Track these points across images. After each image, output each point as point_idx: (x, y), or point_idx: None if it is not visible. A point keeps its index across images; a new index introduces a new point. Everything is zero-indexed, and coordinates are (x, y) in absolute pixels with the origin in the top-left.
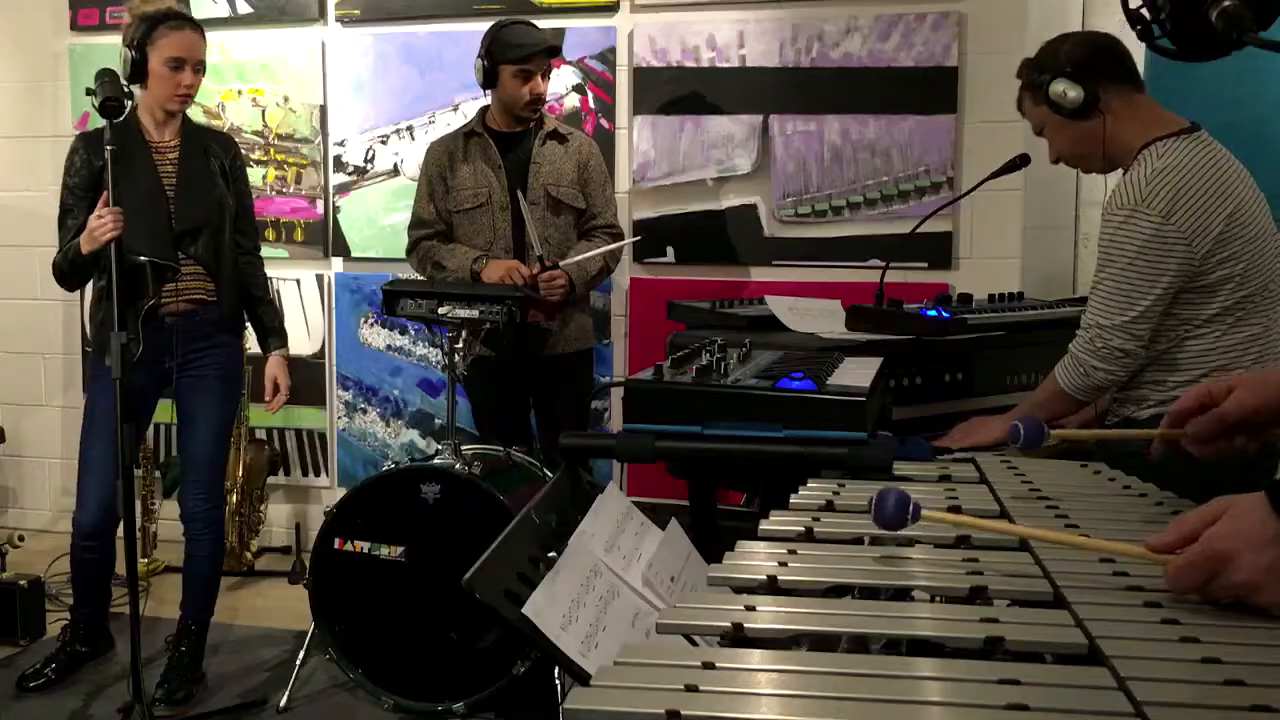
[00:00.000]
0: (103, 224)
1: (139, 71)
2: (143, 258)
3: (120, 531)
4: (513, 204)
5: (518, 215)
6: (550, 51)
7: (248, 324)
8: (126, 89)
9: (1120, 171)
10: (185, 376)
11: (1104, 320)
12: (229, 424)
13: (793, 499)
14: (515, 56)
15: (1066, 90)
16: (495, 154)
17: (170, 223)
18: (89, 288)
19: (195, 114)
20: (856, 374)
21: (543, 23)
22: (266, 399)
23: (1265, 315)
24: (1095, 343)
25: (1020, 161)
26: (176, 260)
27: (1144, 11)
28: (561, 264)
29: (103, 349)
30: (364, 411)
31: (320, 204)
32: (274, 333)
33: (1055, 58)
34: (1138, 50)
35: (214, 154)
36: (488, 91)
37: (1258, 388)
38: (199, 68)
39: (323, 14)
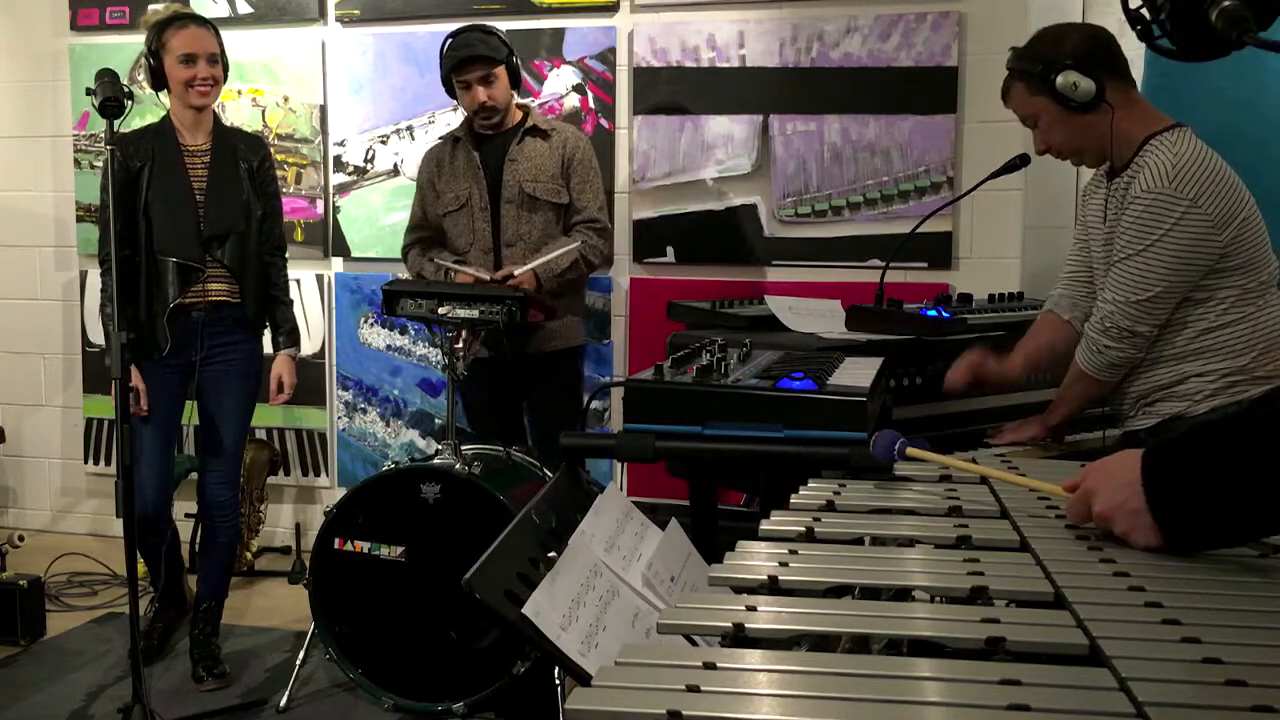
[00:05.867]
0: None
1: (160, 78)
2: (172, 259)
3: (114, 533)
4: (491, 205)
5: (496, 216)
6: (477, 61)
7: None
8: (136, 94)
9: (1107, 164)
10: (210, 370)
11: (1119, 298)
12: (250, 417)
13: (793, 499)
14: (446, 70)
15: (1077, 82)
16: (475, 156)
17: (199, 226)
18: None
19: None
20: (856, 374)
21: (542, 23)
22: (271, 395)
23: (1268, 303)
24: (1106, 322)
25: (1020, 161)
26: (203, 263)
27: (1144, 11)
28: (517, 272)
29: (140, 346)
30: (364, 411)
31: (320, 204)
32: (287, 334)
33: (1058, 50)
34: (1133, 51)
35: (243, 156)
36: None
37: None
38: (213, 60)
39: (323, 14)
